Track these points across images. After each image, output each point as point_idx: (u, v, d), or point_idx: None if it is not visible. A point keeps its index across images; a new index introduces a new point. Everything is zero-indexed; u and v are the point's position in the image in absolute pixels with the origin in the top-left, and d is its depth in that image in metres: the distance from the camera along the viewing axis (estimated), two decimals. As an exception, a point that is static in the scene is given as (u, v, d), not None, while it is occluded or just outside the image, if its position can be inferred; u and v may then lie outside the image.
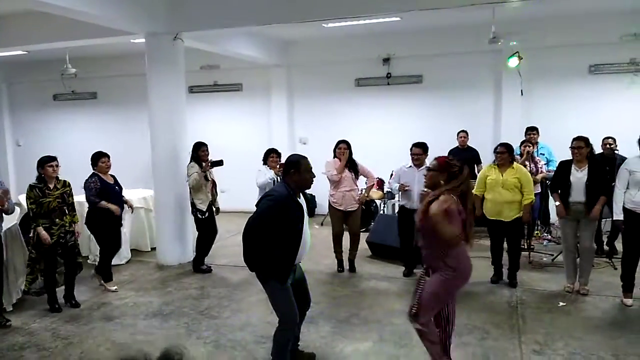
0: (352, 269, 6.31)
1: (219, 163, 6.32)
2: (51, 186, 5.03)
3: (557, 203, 5.27)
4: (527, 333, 4.39)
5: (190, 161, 6.32)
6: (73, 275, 5.35)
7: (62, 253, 5.19)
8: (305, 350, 4.05)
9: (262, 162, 6.36)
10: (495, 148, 5.70)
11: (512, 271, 5.66)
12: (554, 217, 6.62)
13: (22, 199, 6.97)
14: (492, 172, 5.58)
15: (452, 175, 3.35)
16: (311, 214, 6.42)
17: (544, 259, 6.59)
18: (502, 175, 5.47)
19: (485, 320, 4.67)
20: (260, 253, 3.44)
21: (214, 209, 6.48)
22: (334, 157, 6.19)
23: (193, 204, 6.34)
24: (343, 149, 6.08)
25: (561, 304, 5.06)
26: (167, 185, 6.78)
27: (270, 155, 6.29)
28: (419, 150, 5.85)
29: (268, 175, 6.15)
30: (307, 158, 3.61)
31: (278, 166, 6.12)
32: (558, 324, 4.57)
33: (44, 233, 4.92)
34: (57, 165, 5.05)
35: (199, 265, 6.50)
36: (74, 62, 8.95)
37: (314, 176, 3.62)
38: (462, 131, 8.26)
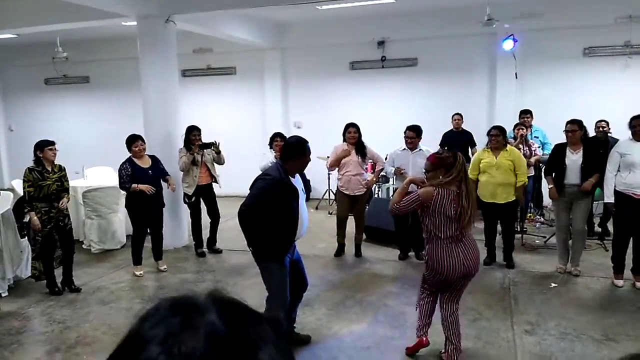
0: (358, 253, 6.30)
1: (208, 146, 6.27)
2: (49, 169, 5.07)
3: (551, 186, 5.30)
4: (519, 314, 4.46)
5: (183, 145, 6.31)
6: (70, 260, 5.35)
7: (59, 237, 5.21)
8: (302, 333, 4.10)
9: (268, 146, 6.33)
10: (489, 131, 5.71)
11: (508, 253, 5.72)
12: (547, 200, 6.66)
13: (15, 184, 6.96)
14: (486, 155, 5.61)
15: (449, 166, 3.36)
16: (306, 197, 6.41)
17: (537, 241, 6.65)
18: (495, 158, 5.50)
19: (478, 301, 4.73)
20: (257, 233, 3.48)
21: (215, 178, 6.44)
22: (343, 141, 6.16)
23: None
24: (353, 132, 6.05)
25: (553, 285, 5.13)
26: (161, 169, 6.75)
27: (275, 139, 6.25)
28: (412, 133, 5.85)
29: (269, 158, 6.12)
30: (308, 142, 3.66)
31: (278, 148, 6.13)
32: (550, 305, 4.64)
33: (35, 219, 4.92)
34: (56, 150, 5.12)
35: (196, 249, 6.55)
36: (65, 45, 8.84)
37: (310, 160, 3.69)
38: (457, 114, 8.25)
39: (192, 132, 6.27)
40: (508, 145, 5.66)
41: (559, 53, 8.35)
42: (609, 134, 6.53)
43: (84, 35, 9.61)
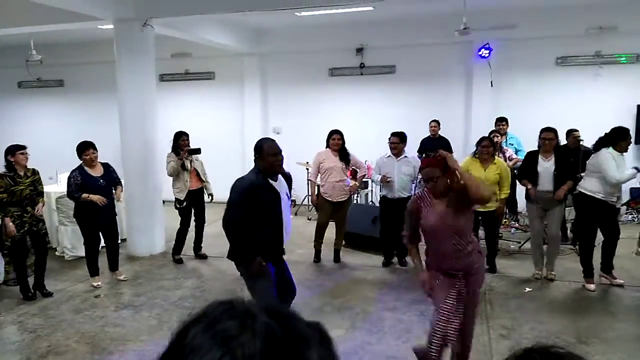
0: (337, 259, 6.32)
1: (197, 151, 6.29)
2: (22, 174, 5.01)
3: (530, 186, 5.37)
4: (495, 318, 4.52)
5: (171, 151, 6.27)
6: (43, 264, 5.28)
7: (33, 241, 5.13)
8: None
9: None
10: (480, 141, 5.60)
11: (491, 258, 5.74)
12: (521, 205, 6.79)
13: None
14: (476, 166, 5.48)
15: (446, 168, 3.14)
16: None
17: (512, 246, 6.77)
18: (484, 171, 5.47)
19: (454, 306, 4.78)
20: (241, 242, 3.47)
21: (208, 195, 6.41)
22: (326, 147, 6.17)
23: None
24: (337, 139, 6.07)
25: (527, 289, 5.22)
26: (138, 175, 6.67)
27: None
28: (397, 139, 5.89)
29: None
30: (273, 141, 3.59)
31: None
32: (524, 309, 4.72)
33: (10, 225, 4.82)
34: (27, 154, 5.05)
35: (174, 254, 6.46)
36: (39, 48, 8.66)
37: (281, 159, 3.57)
38: (434, 121, 8.37)
39: (181, 137, 6.24)
40: (496, 157, 5.71)
41: (533, 62, 8.55)
42: (580, 142, 6.69)
43: (58, 38, 9.45)
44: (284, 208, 3.59)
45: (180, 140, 6.22)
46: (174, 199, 6.32)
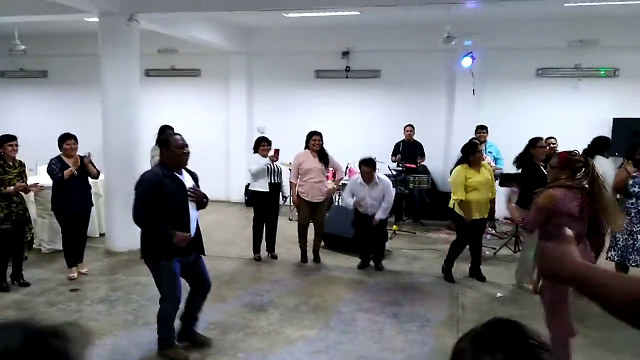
0: (317, 259, 6.38)
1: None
2: (11, 164, 5.10)
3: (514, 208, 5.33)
4: (466, 322, 4.61)
5: (155, 144, 6.26)
6: (22, 252, 5.32)
7: (15, 231, 5.14)
8: (251, 338, 4.13)
9: (252, 151, 6.37)
10: (473, 148, 5.59)
11: (478, 265, 5.77)
12: (498, 213, 6.92)
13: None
14: (471, 173, 5.48)
15: (576, 171, 3.32)
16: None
17: (487, 252, 6.89)
18: (480, 175, 5.50)
19: (427, 308, 4.88)
20: (148, 234, 3.58)
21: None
22: (305, 149, 6.23)
23: None
24: (317, 140, 6.13)
25: (499, 294, 5.34)
26: (119, 169, 6.65)
27: (262, 144, 6.28)
28: (368, 168, 5.84)
29: (263, 161, 6.12)
30: (178, 134, 3.70)
31: (274, 152, 6.17)
32: (495, 314, 4.80)
33: None
34: (16, 145, 5.12)
35: None
36: (23, 38, 8.57)
37: (187, 152, 3.67)
38: (409, 125, 8.53)
39: (166, 131, 6.23)
40: (485, 161, 5.84)
41: (514, 72, 8.72)
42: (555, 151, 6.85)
43: (43, 29, 9.36)
44: (190, 202, 3.66)
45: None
46: None
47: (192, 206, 3.71)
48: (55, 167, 5.36)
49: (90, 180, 5.73)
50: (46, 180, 6.56)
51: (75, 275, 5.63)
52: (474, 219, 5.46)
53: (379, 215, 5.88)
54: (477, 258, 5.80)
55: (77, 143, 5.53)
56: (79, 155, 5.53)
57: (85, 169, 5.58)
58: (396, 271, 6.10)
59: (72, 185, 5.44)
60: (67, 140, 5.46)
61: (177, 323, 3.94)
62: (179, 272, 3.74)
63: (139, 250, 3.76)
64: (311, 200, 6.16)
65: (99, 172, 5.82)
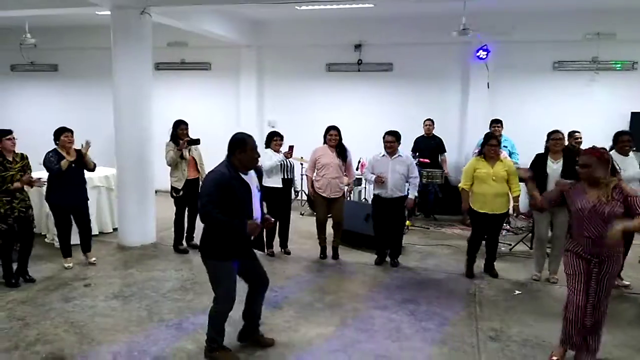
0: (336, 256, 6.29)
1: (196, 142, 6.28)
2: (10, 159, 5.00)
3: (539, 198, 5.27)
4: (484, 320, 4.55)
5: (170, 139, 6.23)
6: (29, 250, 5.28)
7: (20, 227, 5.11)
8: (268, 335, 4.08)
9: (264, 146, 6.24)
10: (487, 139, 5.54)
11: (492, 262, 5.73)
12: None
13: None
14: (481, 164, 5.49)
15: (613, 169, 3.43)
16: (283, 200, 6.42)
17: (502, 248, 6.80)
18: (492, 168, 5.45)
19: (445, 307, 4.81)
20: (213, 231, 3.51)
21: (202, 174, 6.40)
22: (323, 143, 6.14)
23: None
24: (334, 135, 6.04)
25: (517, 292, 5.26)
26: (131, 164, 6.61)
27: (274, 139, 6.22)
28: (392, 138, 5.85)
29: (276, 157, 6.08)
30: (252, 137, 3.62)
31: (288, 149, 6.13)
32: (513, 312, 4.75)
33: None
34: (14, 139, 5.04)
35: (176, 245, 6.49)
36: (33, 31, 8.54)
37: (259, 155, 3.66)
38: (428, 119, 8.40)
39: (180, 126, 6.24)
40: (501, 155, 5.71)
41: (530, 66, 8.57)
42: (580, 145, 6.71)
43: (54, 22, 9.33)
44: (254, 201, 3.60)
45: (178, 129, 6.23)
46: (169, 188, 6.31)
47: (257, 204, 3.64)
48: (53, 159, 5.38)
49: (93, 174, 5.75)
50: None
51: (71, 265, 5.77)
52: (484, 214, 5.44)
53: (413, 193, 5.88)
54: (491, 254, 5.74)
55: (74, 137, 5.57)
56: (76, 150, 5.59)
57: (83, 160, 5.59)
58: (411, 267, 6.03)
59: (68, 178, 5.47)
60: (65, 132, 5.50)
61: (229, 324, 3.80)
62: (237, 272, 3.67)
63: (198, 247, 3.71)
64: (328, 196, 6.09)
65: (95, 165, 5.83)
